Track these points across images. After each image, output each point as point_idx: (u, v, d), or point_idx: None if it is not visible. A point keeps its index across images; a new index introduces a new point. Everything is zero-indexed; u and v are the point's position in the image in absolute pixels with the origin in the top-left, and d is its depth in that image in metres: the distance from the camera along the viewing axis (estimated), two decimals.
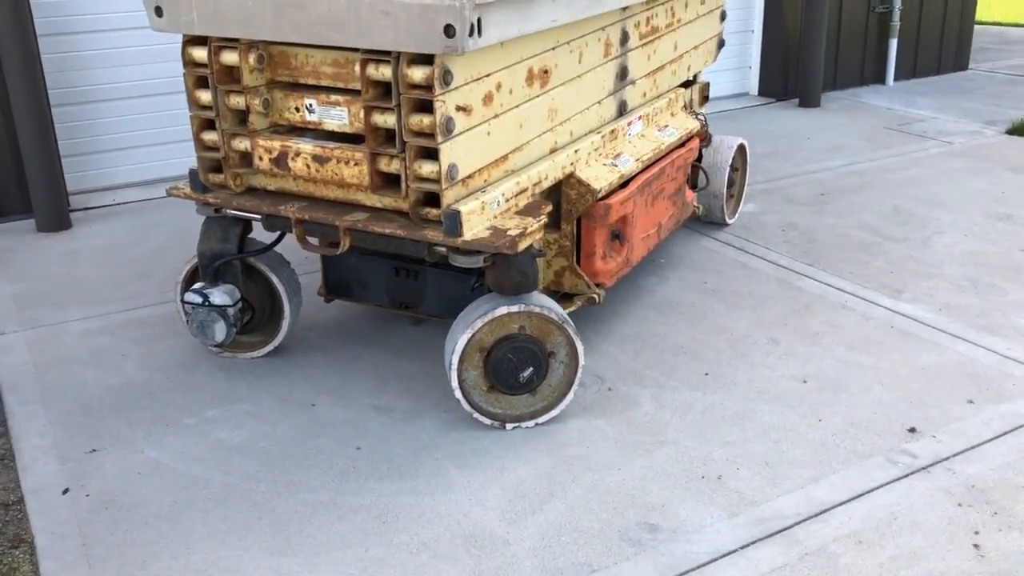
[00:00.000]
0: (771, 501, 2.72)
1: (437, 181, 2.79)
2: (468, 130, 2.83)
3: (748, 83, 8.03)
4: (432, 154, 2.77)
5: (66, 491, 2.82)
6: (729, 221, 4.87)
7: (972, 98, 7.78)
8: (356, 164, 2.87)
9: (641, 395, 3.30)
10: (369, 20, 2.64)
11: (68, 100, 5.37)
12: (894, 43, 8.23)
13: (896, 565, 2.45)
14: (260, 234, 3.58)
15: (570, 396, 3.13)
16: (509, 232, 2.87)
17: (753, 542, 2.55)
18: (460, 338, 2.97)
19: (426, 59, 2.67)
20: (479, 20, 2.58)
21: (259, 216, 3.15)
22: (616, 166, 3.58)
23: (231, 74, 3.01)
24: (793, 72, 7.75)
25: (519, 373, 3.02)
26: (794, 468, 2.87)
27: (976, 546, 2.52)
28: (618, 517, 2.66)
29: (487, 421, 3.10)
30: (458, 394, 3.03)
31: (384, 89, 2.80)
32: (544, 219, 3.05)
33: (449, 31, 2.54)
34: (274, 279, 3.48)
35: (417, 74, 2.67)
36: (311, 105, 2.97)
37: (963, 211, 5.06)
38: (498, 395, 3.08)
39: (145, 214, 5.24)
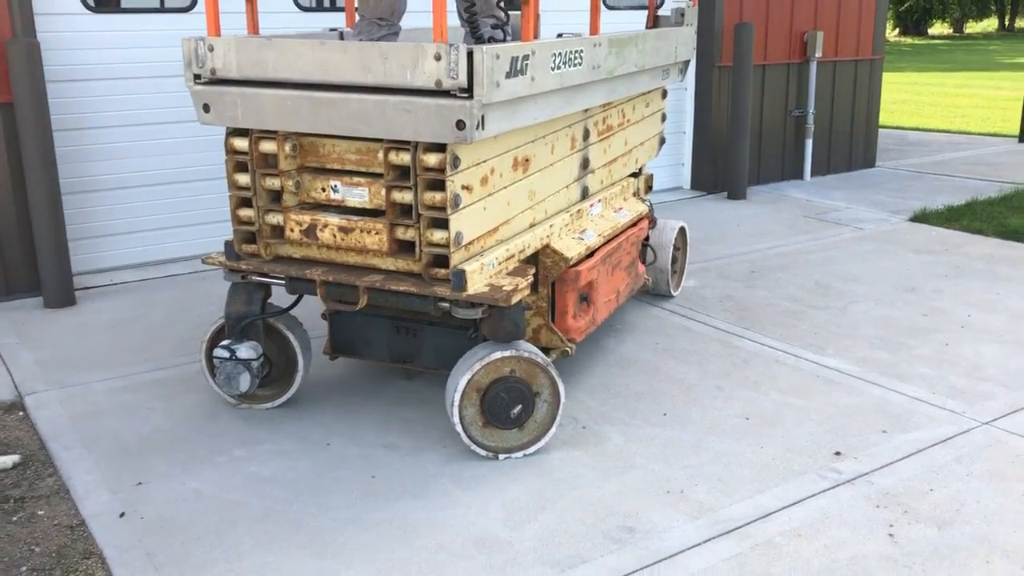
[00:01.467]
0: (726, 508, 3.28)
1: (446, 246, 3.39)
2: (470, 205, 3.45)
3: (682, 178, 8.88)
4: (442, 224, 3.39)
5: (122, 515, 3.24)
6: (674, 293, 5.53)
7: (879, 191, 8.73)
8: (377, 233, 3.47)
9: (611, 432, 3.86)
10: (393, 116, 3.27)
11: (74, 189, 5.85)
12: (810, 143, 9.24)
13: (828, 550, 3.02)
14: (277, 298, 4.09)
15: (553, 430, 3.68)
16: (504, 288, 3.46)
17: (713, 538, 3.10)
18: (461, 380, 3.51)
19: (439, 147, 3.30)
20: (483, 117, 3.22)
21: (286, 279, 3.68)
22: (583, 239, 4.23)
23: (267, 160, 3.59)
24: (722, 168, 8.63)
25: (510, 410, 3.57)
26: (743, 483, 3.45)
27: (891, 535, 3.11)
28: (600, 522, 3.19)
29: (483, 453, 3.62)
30: (458, 428, 3.56)
31: (402, 172, 3.42)
32: (530, 279, 3.65)
33: (460, 125, 3.18)
34: (291, 337, 4.00)
35: (431, 159, 3.31)
36: (336, 186, 3.57)
37: (874, 285, 5.81)
38: (492, 429, 3.61)
39: (143, 292, 5.70)
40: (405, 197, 3.40)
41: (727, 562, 2.96)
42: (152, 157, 6.16)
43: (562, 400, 3.66)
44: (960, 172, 9.70)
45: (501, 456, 3.63)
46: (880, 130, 10.96)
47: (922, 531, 3.13)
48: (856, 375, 4.43)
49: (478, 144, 3.41)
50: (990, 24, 63.49)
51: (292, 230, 3.63)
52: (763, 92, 8.84)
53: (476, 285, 3.45)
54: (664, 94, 5.35)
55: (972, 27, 62.27)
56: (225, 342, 3.84)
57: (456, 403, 3.52)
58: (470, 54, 3.14)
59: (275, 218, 3.65)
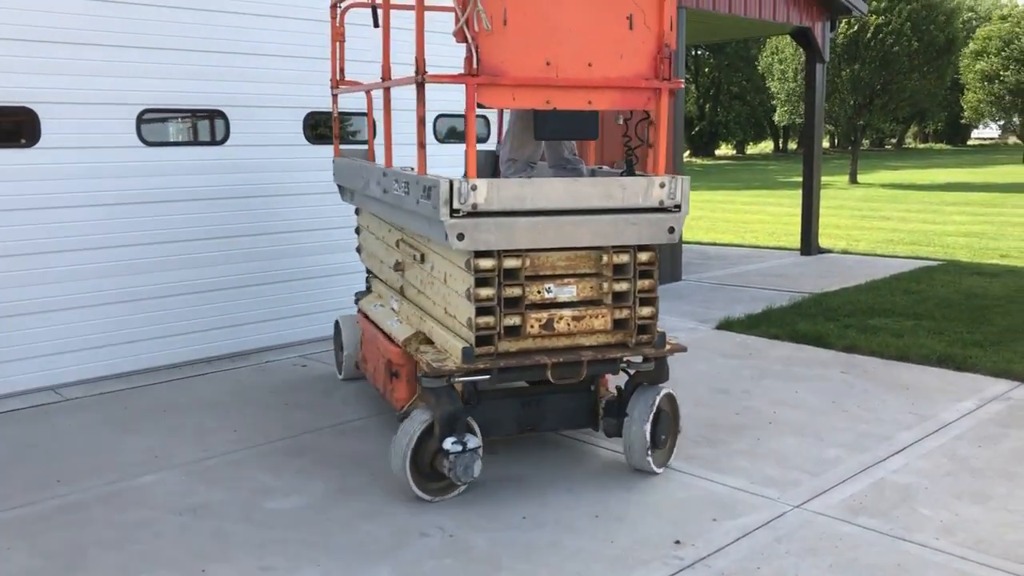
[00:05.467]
0: None
1: (652, 319, 4.65)
2: None
3: None
4: (649, 302, 4.62)
5: None
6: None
7: (687, 302, 9.64)
8: (603, 316, 4.59)
9: (477, 538, 4.17)
10: (623, 229, 4.48)
11: None
12: None
13: None
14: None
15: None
16: (676, 343, 4.89)
17: None
18: (653, 409, 4.78)
19: (647, 248, 4.58)
20: (679, 223, 4.58)
21: (517, 368, 4.44)
22: None
23: (509, 274, 4.39)
24: None
25: (664, 433, 4.88)
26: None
27: None
28: None
29: (659, 471, 4.86)
30: (649, 456, 4.81)
31: (618, 269, 4.55)
32: None
33: (671, 230, 4.55)
34: (475, 425, 4.61)
35: (644, 256, 4.60)
36: (550, 288, 4.50)
37: (692, 388, 6.47)
38: (656, 451, 4.86)
39: None
40: (623, 286, 4.54)
41: None
42: None
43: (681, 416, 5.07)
44: (755, 283, 10.85)
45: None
46: (684, 245, 12.08)
47: None
48: (686, 471, 4.96)
49: None
50: (767, 146, 70.32)
51: (532, 326, 4.44)
52: None
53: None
54: None
55: (752, 148, 68.70)
56: (451, 438, 4.37)
57: (650, 422, 4.75)
58: (684, 183, 4.60)
59: (511, 319, 4.39)
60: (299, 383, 6.65)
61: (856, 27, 30.82)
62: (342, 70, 6.46)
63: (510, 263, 4.34)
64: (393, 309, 5.76)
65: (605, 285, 4.54)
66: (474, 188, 4.20)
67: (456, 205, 4.18)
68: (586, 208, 4.39)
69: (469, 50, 4.14)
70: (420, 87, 4.41)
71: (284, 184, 7.61)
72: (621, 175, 4.80)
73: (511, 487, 4.73)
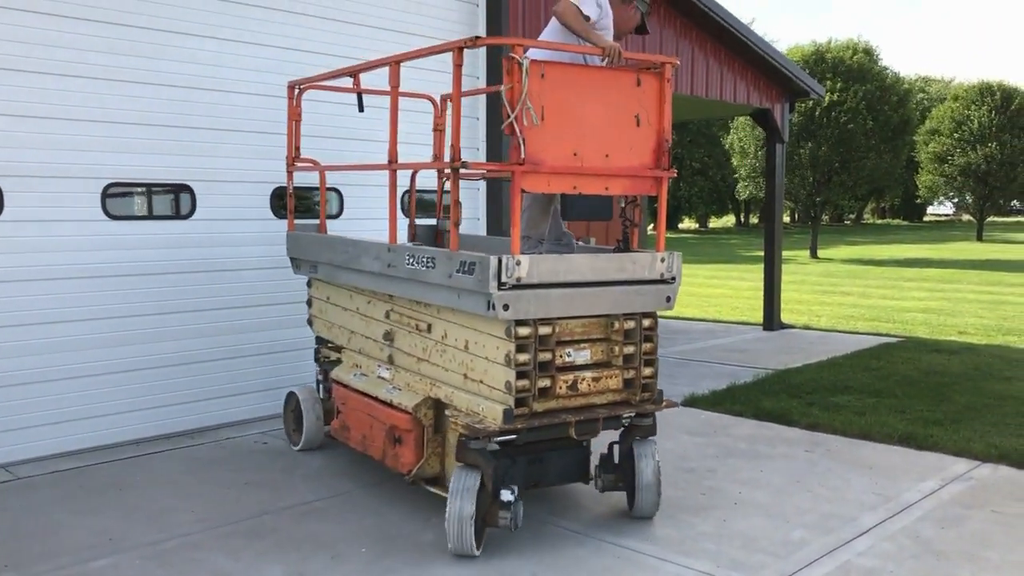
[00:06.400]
0: None
1: (654, 378, 5.20)
2: None
3: None
4: (651, 363, 5.17)
5: None
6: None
7: None
8: (613, 377, 5.07)
9: None
10: (633, 298, 5.06)
11: None
12: None
13: None
14: None
15: None
16: (669, 400, 5.39)
17: None
18: (655, 460, 5.34)
19: (649, 315, 5.14)
20: (674, 293, 5.20)
21: (550, 427, 4.86)
22: None
23: (542, 340, 4.79)
24: None
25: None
26: None
27: None
28: None
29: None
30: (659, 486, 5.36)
31: (625, 333, 5.05)
32: None
33: (669, 300, 5.15)
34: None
35: (647, 322, 5.15)
36: (570, 352, 4.94)
37: None
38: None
39: None
40: (630, 349, 5.06)
41: None
42: None
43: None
44: (719, 359, 10.93)
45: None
46: None
47: None
48: (651, 553, 4.91)
49: None
50: (729, 220, 71.50)
51: (561, 387, 4.87)
52: None
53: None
54: None
55: (714, 222, 69.82)
56: (506, 490, 4.80)
57: (658, 481, 5.32)
58: (678, 257, 5.24)
59: (543, 382, 4.79)
60: (260, 461, 6.53)
61: (812, 105, 31.78)
62: (298, 147, 6.74)
63: (544, 330, 4.81)
64: (383, 377, 5.85)
65: (616, 348, 5.06)
66: (518, 263, 4.67)
67: (504, 279, 4.62)
68: (604, 280, 4.98)
69: (517, 142, 4.65)
70: (455, 173, 4.93)
71: (250, 258, 7.59)
72: (614, 251, 5.37)
73: (473, 573, 4.64)
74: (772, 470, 6.39)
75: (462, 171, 5.01)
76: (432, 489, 5.39)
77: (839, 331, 13.49)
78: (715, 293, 19.90)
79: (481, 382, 4.96)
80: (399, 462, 5.49)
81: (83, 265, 6.65)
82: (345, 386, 6.24)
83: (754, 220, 66.02)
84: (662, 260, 5.16)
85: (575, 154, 4.89)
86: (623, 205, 5.51)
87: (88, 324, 6.69)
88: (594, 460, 5.51)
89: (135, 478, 6.12)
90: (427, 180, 7.82)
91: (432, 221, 7.39)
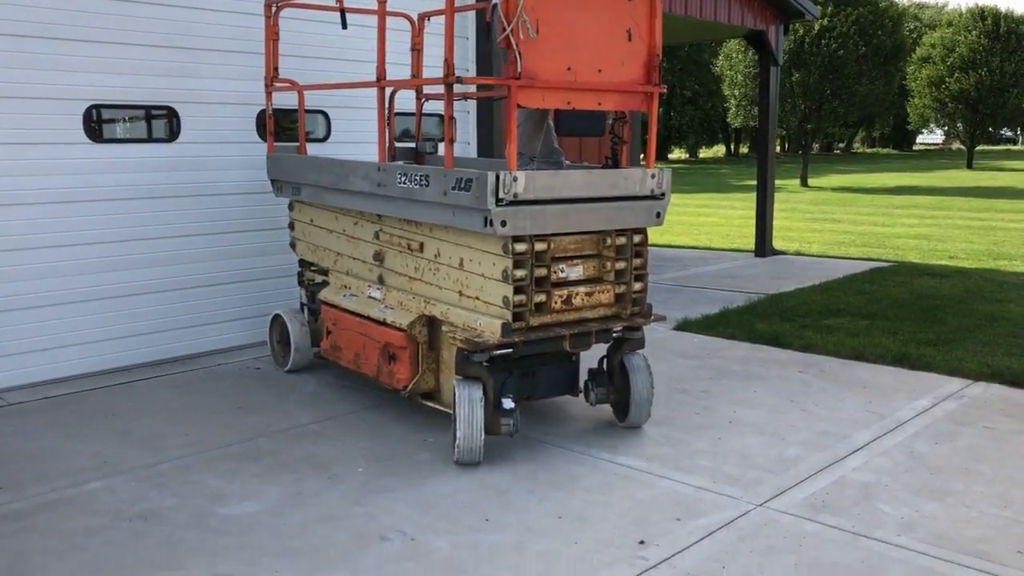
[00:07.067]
0: None
1: (643, 292, 5.26)
2: None
3: None
4: (642, 278, 5.24)
5: None
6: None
7: None
8: (605, 292, 5.12)
9: (438, 541, 4.08)
10: (626, 214, 5.10)
11: None
12: None
13: None
14: None
15: None
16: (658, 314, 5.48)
17: None
18: (649, 371, 5.50)
19: (640, 231, 5.19)
20: (664, 209, 5.22)
21: (546, 340, 4.90)
22: None
23: (538, 256, 4.82)
24: None
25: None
26: None
27: None
28: None
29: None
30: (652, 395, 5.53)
31: (617, 249, 5.09)
32: None
33: (659, 216, 5.19)
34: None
35: (637, 238, 5.21)
36: (563, 268, 4.98)
37: None
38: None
39: None
40: (622, 265, 5.11)
41: None
42: None
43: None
44: (712, 284, 10.90)
45: None
46: None
47: None
48: (647, 470, 4.93)
49: None
50: (719, 150, 71.10)
51: (556, 301, 4.91)
52: None
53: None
54: None
55: (704, 152, 69.39)
56: (506, 398, 4.94)
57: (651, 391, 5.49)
58: (668, 174, 5.23)
59: (539, 296, 4.83)
60: (253, 386, 6.50)
61: (801, 32, 31.31)
62: (276, 68, 6.66)
63: (539, 246, 4.82)
64: (373, 297, 5.87)
65: (607, 264, 5.11)
66: (515, 179, 4.64)
67: (501, 195, 4.59)
68: (597, 196, 5.00)
69: (513, 56, 4.58)
70: (449, 88, 4.82)
71: (238, 182, 7.45)
72: (603, 167, 5.29)
73: (471, 489, 4.66)
74: (766, 390, 6.40)
75: (456, 89, 4.89)
76: (428, 403, 5.45)
77: (831, 257, 13.46)
78: (706, 222, 19.82)
79: (477, 298, 4.99)
80: (394, 378, 5.53)
81: (66, 189, 6.50)
82: (335, 307, 6.21)
83: (744, 150, 65.64)
84: (652, 176, 5.19)
85: (569, 69, 4.84)
86: (611, 122, 5.44)
87: (73, 249, 6.57)
88: (582, 376, 5.57)
89: (127, 404, 6.08)
90: (406, 102, 7.63)
91: (411, 144, 7.26)
